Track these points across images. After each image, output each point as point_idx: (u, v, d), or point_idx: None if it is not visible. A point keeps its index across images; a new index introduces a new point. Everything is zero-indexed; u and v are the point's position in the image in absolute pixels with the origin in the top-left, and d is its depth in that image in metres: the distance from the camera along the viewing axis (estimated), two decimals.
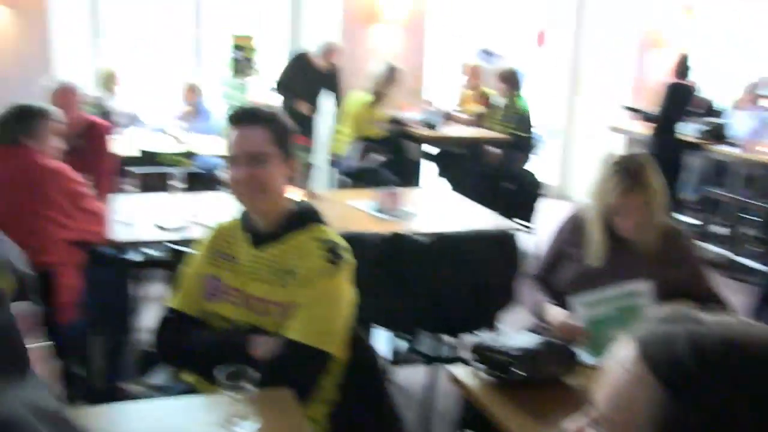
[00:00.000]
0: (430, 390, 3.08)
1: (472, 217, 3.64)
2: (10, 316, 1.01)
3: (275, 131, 1.80)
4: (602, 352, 2.01)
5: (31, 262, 2.32)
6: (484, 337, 1.85)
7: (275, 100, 6.42)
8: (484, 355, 1.78)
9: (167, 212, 3.14)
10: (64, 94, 3.38)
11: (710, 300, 2.21)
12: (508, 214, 3.56)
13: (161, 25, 8.12)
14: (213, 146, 4.79)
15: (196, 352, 1.81)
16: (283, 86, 5.94)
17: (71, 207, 2.54)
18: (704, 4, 7.17)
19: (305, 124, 5.69)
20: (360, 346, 1.95)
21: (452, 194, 4.13)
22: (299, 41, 6.94)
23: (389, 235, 2.73)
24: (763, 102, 6.27)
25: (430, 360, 3.12)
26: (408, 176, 5.55)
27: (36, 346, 1.71)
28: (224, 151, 1.86)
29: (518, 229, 3.24)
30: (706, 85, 6.55)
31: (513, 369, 1.73)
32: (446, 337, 3.45)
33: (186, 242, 2.96)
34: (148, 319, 3.92)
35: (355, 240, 2.69)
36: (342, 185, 5.52)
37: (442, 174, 6.35)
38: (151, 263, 3.82)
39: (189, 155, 4.33)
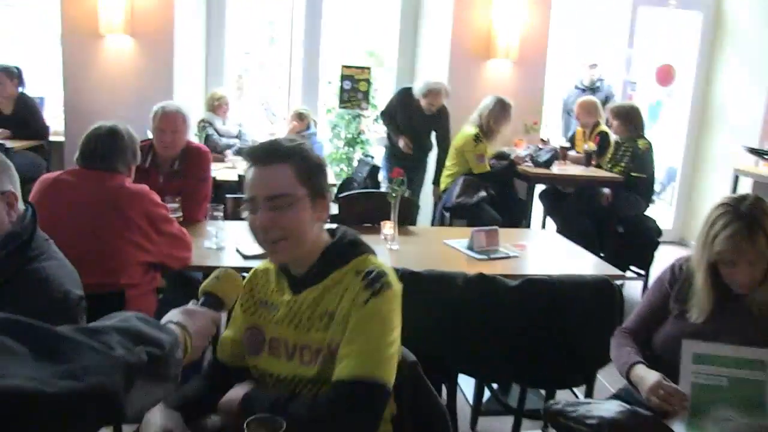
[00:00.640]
0: None
1: (575, 261, 3.39)
2: None
3: (300, 167, 1.59)
4: (704, 430, 1.76)
5: (106, 282, 2.34)
6: (561, 401, 1.63)
7: (380, 130, 6.41)
8: (558, 422, 1.56)
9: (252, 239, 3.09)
10: (174, 119, 3.43)
11: None
12: (619, 260, 3.27)
13: (272, 53, 8.37)
14: None
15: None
16: (386, 117, 5.89)
17: (151, 230, 2.52)
18: None
19: (408, 158, 5.60)
20: (419, 389, 1.76)
21: (558, 237, 3.88)
22: (412, 71, 6.91)
23: (474, 276, 2.54)
24: None
25: (515, 413, 2.89)
26: (516, 215, 5.33)
27: None
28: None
29: (627, 278, 2.96)
30: None
31: None
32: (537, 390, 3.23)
33: None
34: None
35: (438, 280, 2.56)
36: (445, 221, 5.37)
37: (548, 213, 6.08)
38: None
39: None
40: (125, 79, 5.90)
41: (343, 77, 6.59)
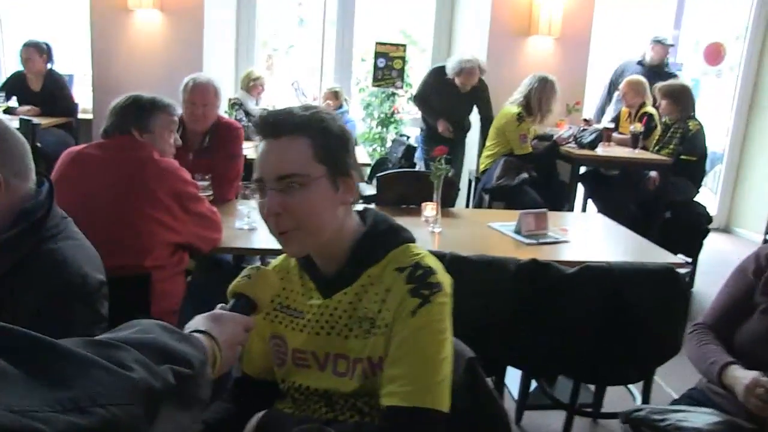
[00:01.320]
0: None
1: (627, 246, 3.17)
2: None
3: (317, 140, 1.32)
4: None
5: (131, 264, 2.17)
6: (644, 407, 1.42)
7: (414, 110, 6.20)
8: (642, 431, 1.35)
9: None
10: (206, 90, 3.26)
11: None
12: (665, 247, 3.05)
13: (307, 29, 8.18)
14: None
15: None
16: (419, 100, 5.69)
17: (180, 209, 2.33)
18: None
19: (446, 139, 5.39)
20: (477, 388, 1.56)
21: (605, 220, 3.65)
22: (448, 51, 6.68)
23: (527, 262, 2.34)
24: None
25: (567, 408, 2.70)
26: (558, 198, 5.09)
27: None
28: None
29: (679, 265, 2.74)
30: None
31: None
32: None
33: None
34: None
35: (488, 266, 2.36)
36: (484, 203, 5.15)
37: (590, 196, 5.83)
38: None
39: None
40: (154, 55, 5.76)
41: (377, 54, 6.37)
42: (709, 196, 7.19)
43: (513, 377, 3.10)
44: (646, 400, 2.62)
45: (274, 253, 2.82)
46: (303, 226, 1.32)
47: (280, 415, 1.41)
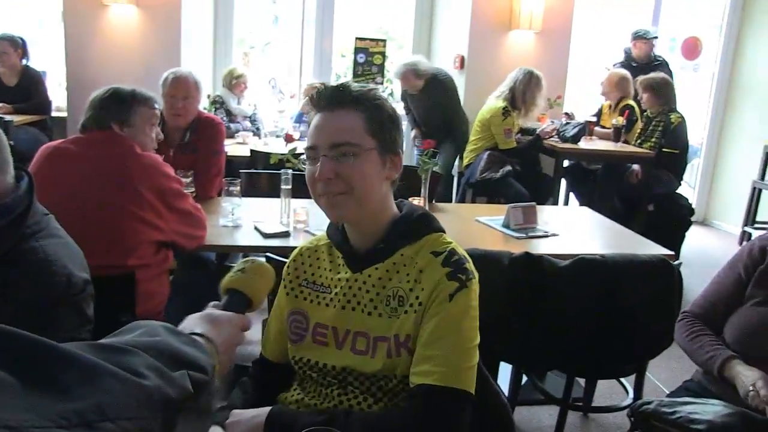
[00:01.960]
0: None
1: (618, 240, 3.14)
2: None
3: (370, 116, 1.37)
4: None
5: (114, 264, 2.09)
6: (653, 400, 1.38)
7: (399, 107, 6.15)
8: (653, 425, 1.31)
9: (272, 218, 2.86)
10: (186, 83, 3.18)
11: None
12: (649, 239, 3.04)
13: (283, 27, 8.11)
14: None
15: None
16: (404, 102, 5.70)
17: (163, 206, 2.25)
18: None
19: (430, 135, 5.35)
20: (482, 381, 1.52)
21: (593, 214, 3.63)
22: (428, 46, 6.65)
23: (521, 256, 2.29)
24: None
25: (559, 403, 2.66)
26: (542, 192, 5.07)
27: None
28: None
29: (671, 257, 2.72)
30: None
31: None
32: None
33: (289, 251, 2.68)
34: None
35: (481, 260, 2.30)
36: (468, 198, 5.11)
37: (572, 190, 5.82)
38: None
39: (299, 156, 4.07)
40: (131, 52, 5.64)
41: (357, 50, 6.31)
42: (687, 189, 7.22)
43: (502, 373, 3.07)
44: (638, 393, 2.60)
45: (259, 250, 2.78)
46: (351, 192, 1.36)
47: (285, 413, 1.37)
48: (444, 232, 1.48)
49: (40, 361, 0.62)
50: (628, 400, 2.70)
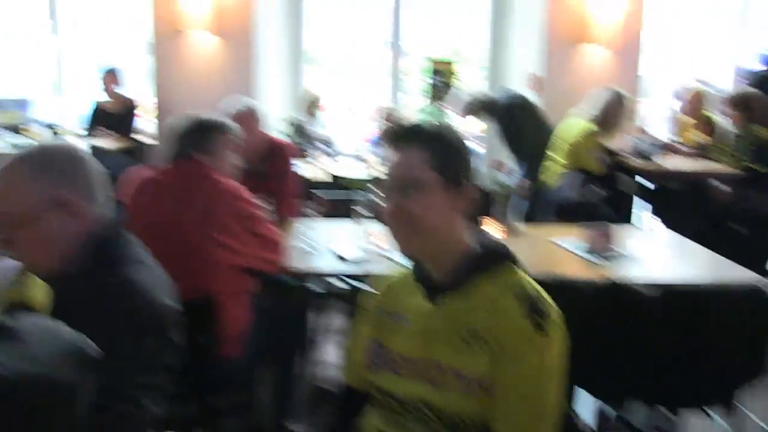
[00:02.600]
0: None
1: (705, 264, 3.02)
2: None
3: (436, 152, 1.41)
4: None
5: (195, 288, 2.13)
6: None
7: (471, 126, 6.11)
8: None
9: (350, 242, 2.88)
10: (244, 116, 3.21)
11: None
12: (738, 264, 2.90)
13: (360, 50, 8.20)
14: None
15: None
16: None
17: (243, 231, 2.30)
18: None
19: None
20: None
21: (676, 236, 3.50)
22: (502, 66, 6.60)
23: (606, 284, 2.23)
24: None
25: None
26: (622, 213, 4.91)
27: None
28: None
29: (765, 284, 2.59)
30: None
31: None
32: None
33: (366, 277, 2.69)
34: (323, 353, 3.72)
35: (563, 287, 2.24)
36: (545, 219, 4.98)
37: (656, 213, 5.63)
38: (331, 295, 3.61)
39: (375, 181, 4.08)
40: (209, 77, 5.84)
41: (430, 71, 6.34)
42: None
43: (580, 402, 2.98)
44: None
45: (336, 274, 2.80)
46: (416, 227, 1.39)
47: None
48: (522, 266, 1.47)
49: None
50: None
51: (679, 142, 5.59)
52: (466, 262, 1.43)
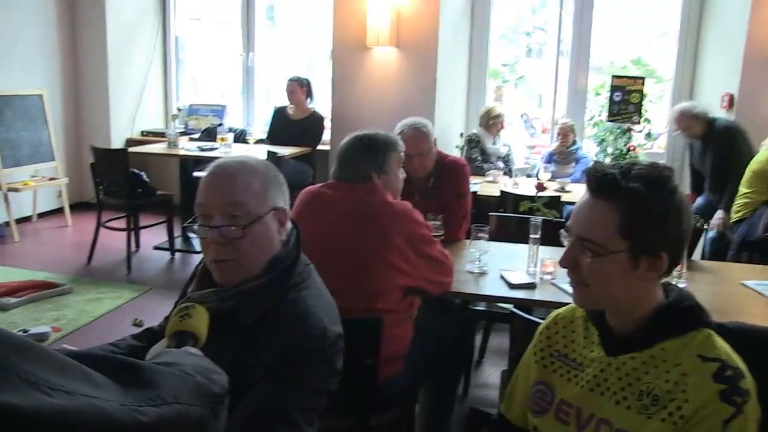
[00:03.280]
0: None
1: None
2: None
3: (627, 213, 1.25)
4: None
5: (363, 308, 2.17)
6: None
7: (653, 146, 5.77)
8: None
9: (519, 265, 2.80)
10: (417, 142, 3.15)
11: None
12: None
13: (537, 59, 8.04)
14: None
15: None
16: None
17: (413, 253, 2.30)
18: None
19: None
20: None
21: None
22: (691, 82, 6.19)
23: None
24: None
25: None
26: None
27: None
28: None
29: None
30: None
31: None
32: None
33: (533, 303, 2.61)
34: (485, 375, 3.67)
35: (754, 340, 2.04)
36: (736, 257, 4.56)
37: None
38: (496, 319, 3.55)
39: (553, 204, 3.95)
40: (389, 91, 5.96)
41: (614, 88, 6.05)
42: None
43: None
44: None
45: (503, 300, 2.74)
46: (587, 287, 1.32)
47: None
48: (715, 328, 1.31)
49: (126, 369, 0.86)
50: None
51: None
52: (655, 320, 1.31)
